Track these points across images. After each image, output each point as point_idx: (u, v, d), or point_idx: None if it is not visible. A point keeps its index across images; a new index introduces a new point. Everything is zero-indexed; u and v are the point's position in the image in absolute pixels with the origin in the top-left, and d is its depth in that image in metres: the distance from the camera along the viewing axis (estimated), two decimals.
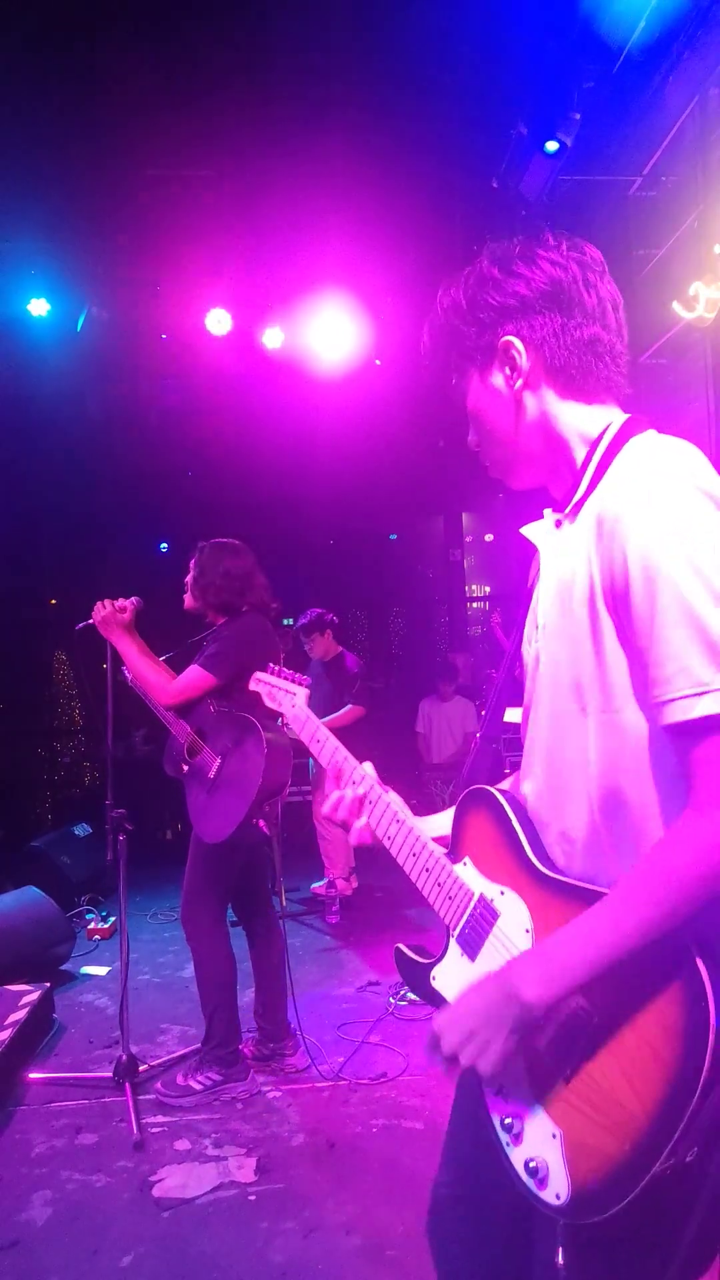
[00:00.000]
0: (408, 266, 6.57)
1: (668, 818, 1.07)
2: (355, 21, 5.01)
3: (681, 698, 0.96)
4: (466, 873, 1.29)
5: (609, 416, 1.21)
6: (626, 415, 1.21)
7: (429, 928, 4.90)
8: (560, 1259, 1.10)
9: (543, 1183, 1.08)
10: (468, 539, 10.37)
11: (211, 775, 3.24)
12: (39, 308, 6.61)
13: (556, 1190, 1.06)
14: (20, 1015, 3.64)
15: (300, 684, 1.68)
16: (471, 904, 1.26)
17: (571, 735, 1.15)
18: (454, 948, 1.29)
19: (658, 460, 1.08)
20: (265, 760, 3.10)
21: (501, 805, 1.26)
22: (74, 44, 4.95)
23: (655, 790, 1.08)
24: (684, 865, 0.96)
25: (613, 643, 1.07)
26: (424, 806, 1.51)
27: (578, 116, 5.01)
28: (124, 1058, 3.31)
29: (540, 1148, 1.09)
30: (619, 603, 1.04)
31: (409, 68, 5.36)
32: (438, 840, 1.39)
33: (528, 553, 1.32)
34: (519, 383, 1.21)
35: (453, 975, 1.29)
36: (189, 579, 3.51)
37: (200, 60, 5.15)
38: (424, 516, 9.81)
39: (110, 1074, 3.33)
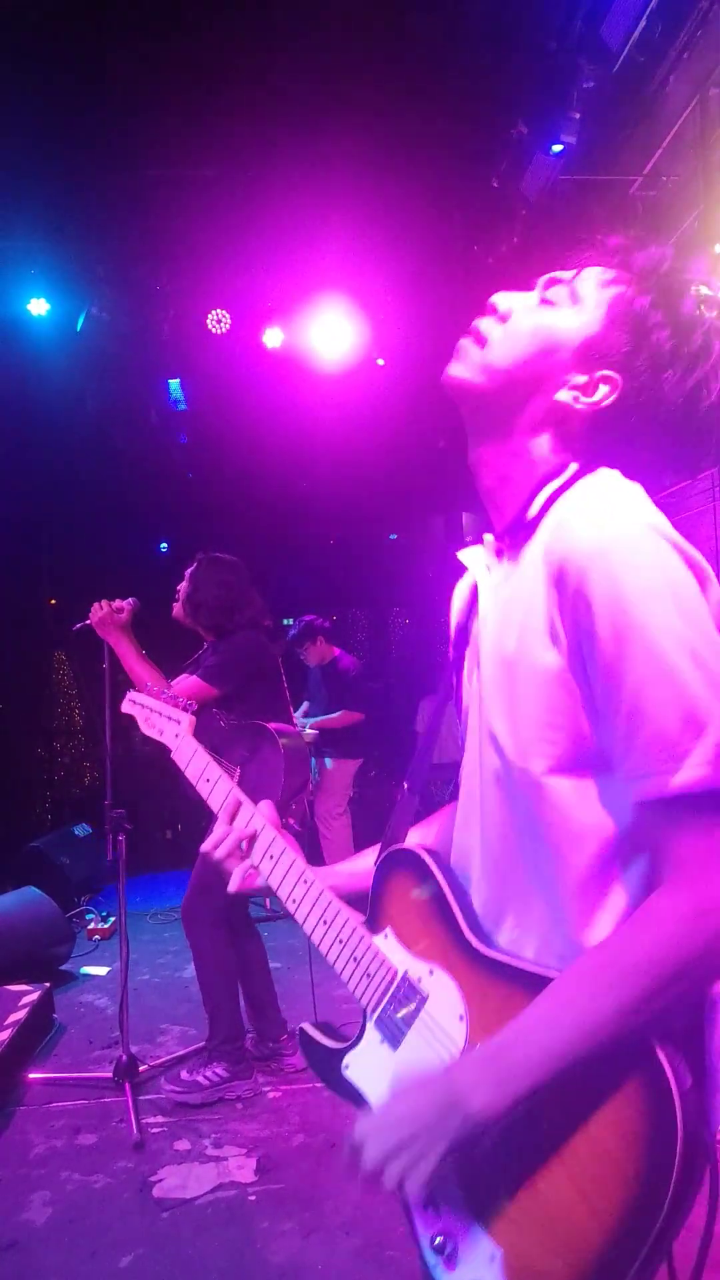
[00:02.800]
0: (408, 266, 6.56)
1: (597, 896, 0.96)
2: (356, 21, 5.01)
3: (656, 770, 0.85)
4: (388, 946, 1.13)
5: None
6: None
7: None
8: None
9: None
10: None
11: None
12: (39, 307, 6.61)
13: None
14: (20, 1015, 3.64)
15: (186, 710, 1.44)
16: (394, 984, 1.10)
17: (500, 793, 1.03)
18: (372, 1033, 1.12)
19: (618, 504, 0.97)
20: (285, 762, 3.13)
21: (430, 869, 1.11)
22: (74, 43, 4.94)
23: (594, 865, 0.96)
24: (663, 945, 0.85)
25: (561, 703, 0.95)
26: (425, 807, 1.45)
27: (578, 116, 5.01)
28: (124, 1058, 3.31)
29: (477, 1271, 0.94)
30: (581, 661, 0.92)
31: (409, 67, 5.36)
32: (349, 892, 1.23)
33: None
34: (583, 405, 1.05)
35: (371, 1066, 1.12)
36: (181, 589, 3.51)
37: (201, 60, 5.14)
38: (424, 516, 9.81)
39: (110, 1074, 3.33)
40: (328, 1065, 1.17)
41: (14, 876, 5.58)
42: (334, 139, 5.60)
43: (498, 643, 1.04)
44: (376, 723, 6.25)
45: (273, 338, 6.98)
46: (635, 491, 1.00)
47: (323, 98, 5.41)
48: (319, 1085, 2.97)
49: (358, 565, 9.58)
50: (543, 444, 1.08)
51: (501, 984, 0.99)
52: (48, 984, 4.07)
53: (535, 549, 1.01)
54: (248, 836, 1.26)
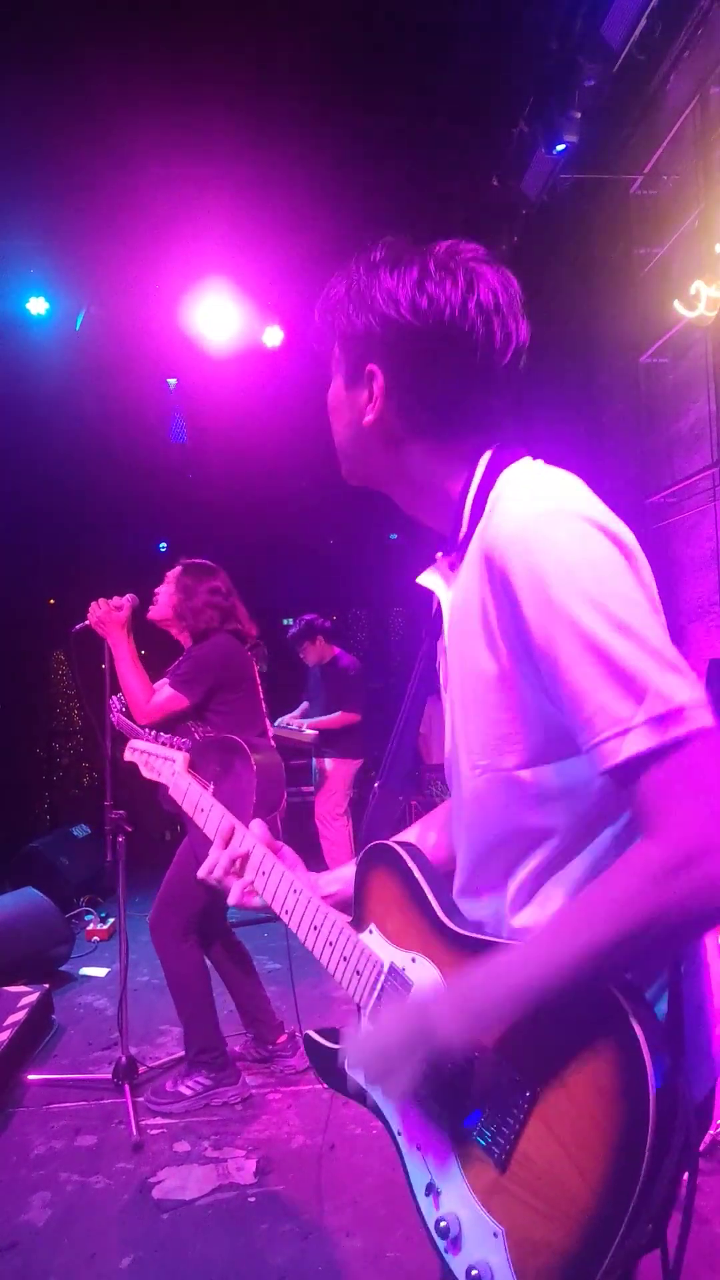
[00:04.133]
0: None
1: (576, 872, 1.01)
2: (356, 20, 5.00)
3: (607, 740, 0.88)
4: (374, 941, 1.18)
5: (479, 447, 1.11)
6: (492, 448, 1.11)
7: None
8: None
9: None
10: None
11: None
12: (37, 306, 6.60)
13: None
14: (19, 1016, 3.63)
15: (179, 749, 1.60)
16: (381, 976, 1.15)
17: (470, 788, 1.08)
18: (367, 1026, 1.16)
19: (537, 491, 1.01)
20: (257, 778, 3.09)
21: (403, 860, 1.16)
22: (73, 43, 4.94)
23: (558, 847, 1.02)
24: (635, 890, 0.87)
25: (512, 691, 0.99)
26: (424, 806, 1.47)
27: (578, 115, 5.00)
28: (123, 1059, 3.31)
29: (482, 1250, 0.96)
30: (521, 648, 0.96)
31: (409, 66, 5.35)
32: (339, 897, 1.29)
33: None
34: (371, 417, 1.12)
35: None
36: (159, 592, 3.47)
37: (199, 59, 5.14)
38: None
39: (109, 1075, 3.33)
40: (331, 1067, 1.21)
41: (13, 877, 5.58)
42: (333, 138, 5.60)
43: (457, 654, 1.09)
44: (377, 723, 6.25)
45: (273, 337, 6.98)
46: (556, 477, 1.03)
47: (322, 97, 5.41)
48: (318, 1087, 2.97)
49: (358, 565, 9.57)
50: (417, 471, 1.14)
51: (478, 958, 1.03)
52: (47, 985, 4.06)
53: (475, 547, 1.06)
54: (240, 857, 1.32)
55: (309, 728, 5.86)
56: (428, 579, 1.19)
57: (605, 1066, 0.89)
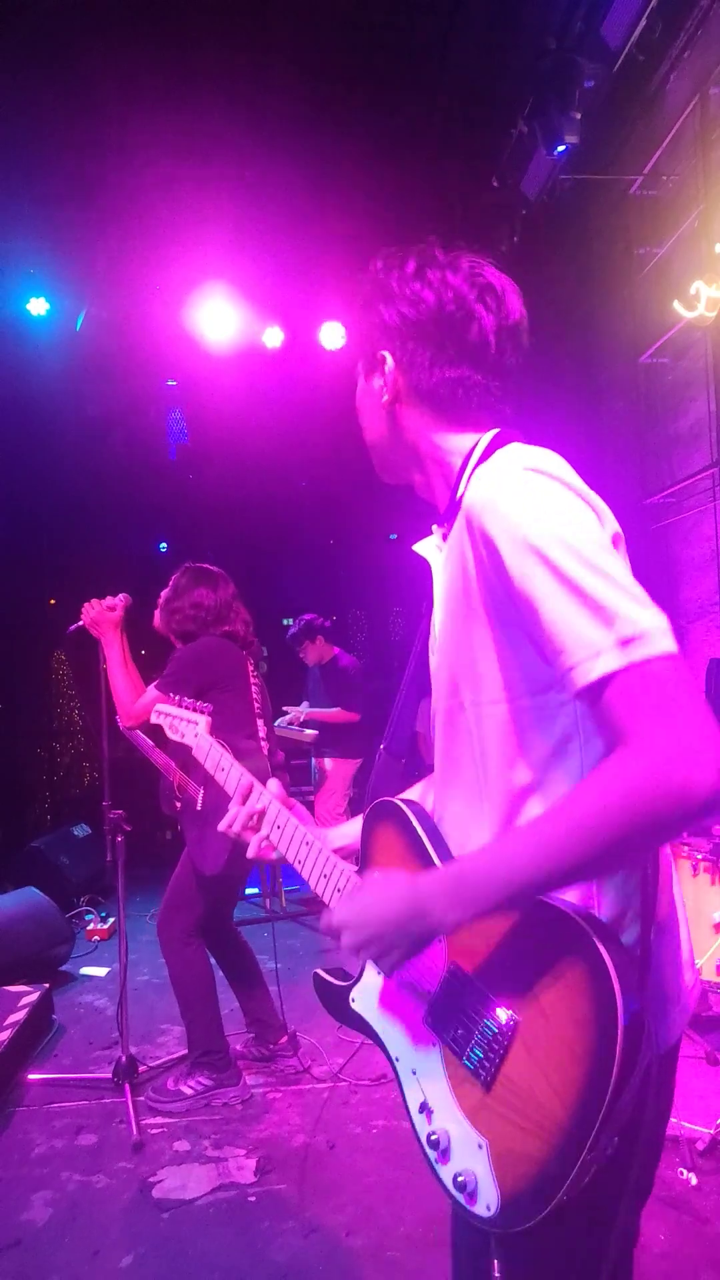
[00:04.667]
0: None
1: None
2: (356, 20, 5.01)
3: (581, 662, 0.96)
4: None
5: (482, 425, 1.24)
6: (496, 430, 1.22)
7: None
8: (496, 1272, 1.08)
9: (472, 1196, 1.05)
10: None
11: (199, 807, 3.24)
12: (38, 307, 6.61)
13: (486, 1202, 1.04)
14: (20, 1016, 3.64)
15: (202, 711, 1.70)
16: None
17: (460, 735, 1.18)
18: (370, 967, 1.30)
19: (513, 457, 1.12)
20: None
21: (405, 814, 1.27)
22: (73, 43, 4.94)
23: (546, 777, 1.10)
24: (613, 792, 0.93)
25: (497, 635, 1.09)
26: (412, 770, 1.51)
27: (578, 116, 5.00)
28: (123, 1058, 3.31)
29: (467, 1160, 1.07)
30: (501, 591, 1.05)
31: (409, 66, 5.36)
32: (348, 850, 1.40)
33: None
34: (387, 397, 1.26)
35: (371, 994, 1.30)
36: (163, 597, 3.45)
37: (199, 59, 5.14)
38: (424, 516, 9.80)
39: (110, 1075, 3.33)
40: (337, 1002, 1.34)
41: (14, 877, 5.59)
42: (333, 138, 5.60)
43: (443, 601, 1.20)
44: (376, 723, 6.24)
45: (273, 337, 6.98)
46: (536, 449, 1.13)
47: (322, 97, 5.41)
48: (319, 1087, 2.99)
49: (358, 565, 9.58)
50: (428, 452, 1.26)
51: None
52: (47, 985, 4.06)
53: (460, 514, 1.16)
54: (258, 812, 1.44)
55: (308, 718, 5.86)
56: (422, 547, 1.31)
57: (577, 993, 0.98)
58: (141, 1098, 3.23)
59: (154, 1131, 3.06)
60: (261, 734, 3.40)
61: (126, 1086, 3.24)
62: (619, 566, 1.00)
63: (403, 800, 1.30)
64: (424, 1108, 1.15)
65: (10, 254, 6.34)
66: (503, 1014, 1.06)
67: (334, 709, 5.79)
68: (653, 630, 0.95)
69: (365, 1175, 2.77)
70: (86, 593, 3.30)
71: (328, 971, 1.37)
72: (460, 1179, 1.07)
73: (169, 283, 6.61)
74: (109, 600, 3.23)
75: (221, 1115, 3.16)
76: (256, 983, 3.54)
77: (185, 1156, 2.91)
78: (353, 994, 1.32)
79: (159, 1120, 3.14)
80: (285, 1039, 3.54)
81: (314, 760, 6.18)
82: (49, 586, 8.49)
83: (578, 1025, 0.97)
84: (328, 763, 5.92)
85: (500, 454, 1.16)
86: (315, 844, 1.38)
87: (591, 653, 0.95)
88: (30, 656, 8.61)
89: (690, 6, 4.66)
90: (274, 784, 1.47)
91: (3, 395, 6.78)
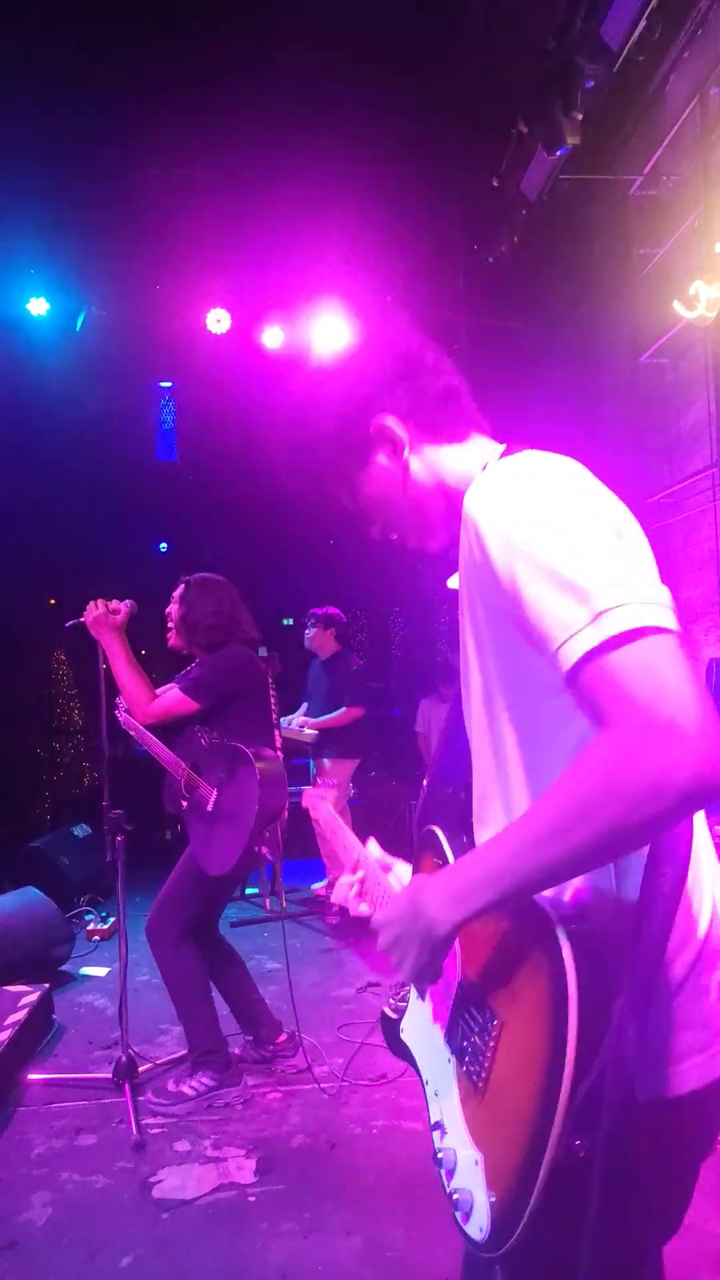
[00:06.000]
0: (408, 266, 6.57)
1: None
2: (356, 20, 5.00)
3: (560, 645, 0.92)
4: None
5: (485, 448, 1.24)
6: (503, 445, 1.23)
7: None
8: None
9: (466, 1216, 1.00)
10: None
11: (210, 808, 3.26)
12: (38, 307, 6.60)
13: (479, 1224, 0.98)
14: (20, 1016, 3.64)
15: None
16: None
17: (489, 745, 1.16)
18: (414, 995, 1.30)
19: (513, 460, 1.12)
20: (260, 789, 3.11)
21: (439, 841, 1.26)
22: (73, 42, 4.94)
23: (528, 763, 1.10)
24: (588, 782, 0.88)
25: (505, 638, 1.05)
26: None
27: (578, 116, 5.00)
28: (123, 1059, 3.31)
29: (465, 1178, 1.03)
30: (495, 591, 1.02)
31: (410, 67, 5.36)
32: None
33: None
34: (405, 452, 1.23)
35: (415, 1023, 1.30)
36: (172, 612, 3.47)
37: (201, 59, 5.14)
38: None
39: (110, 1075, 3.33)
40: (392, 1034, 1.35)
41: (14, 876, 5.58)
42: (332, 138, 5.60)
43: (462, 624, 1.19)
44: (376, 722, 6.25)
45: (272, 337, 6.98)
46: (536, 453, 1.12)
47: (321, 97, 5.41)
48: (318, 1087, 2.99)
49: (358, 565, 9.58)
50: (450, 481, 1.24)
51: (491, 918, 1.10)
52: (47, 985, 4.06)
53: (462, 526, 1.15)
54: (360, 881, 1.39)
55: (313, 727, 5.86)
56: (455, 582, 1.28)
57: (539, 984, 0.95)
58: (141, 1098, 3.23)
59: (154, 1132, 3.06)
60: (278, 743, 3.48)
61: (126, 1086, 3.24)
62: (610, 546, 0.95)
63: (440, 829, 1.28)
64: (438, 1125, 1.14)
65: (10, 254, 6.34)
66: (491, 1018, 1.03)
67: (337, 711, 5.79)
68: (634, 603, 0.89)
69: (365, 1175, 2.77)
70: (86, 593, 3.31)
71: (394, 1009, 1.37)
72: (456, 1197, 1.03)
73: (169, 282, 6.61)
74: (114, 604, 3.26)
75: (221, 1115, 3.16)
76: (247, 987, 3.55)
77: (185, 1157, 2.91)
78: (402, 1024, 1.33)
79: (159, 1120, 3.14)
80: (283, 1037, 3.54)
81: (312, 760, 6.18)
82: (49, 586, 8.49)
83: (539, 1016, 0.93)
84: (326, 762, 5.92)
85: (505, 459, 1.15)
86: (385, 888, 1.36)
87: (569, 633, 0.91)
88: (30, 656, 8.61)
89: (690, 7, 4.66)
90: (374, 845, 1.42)
91: (3, 395, 6.78)
